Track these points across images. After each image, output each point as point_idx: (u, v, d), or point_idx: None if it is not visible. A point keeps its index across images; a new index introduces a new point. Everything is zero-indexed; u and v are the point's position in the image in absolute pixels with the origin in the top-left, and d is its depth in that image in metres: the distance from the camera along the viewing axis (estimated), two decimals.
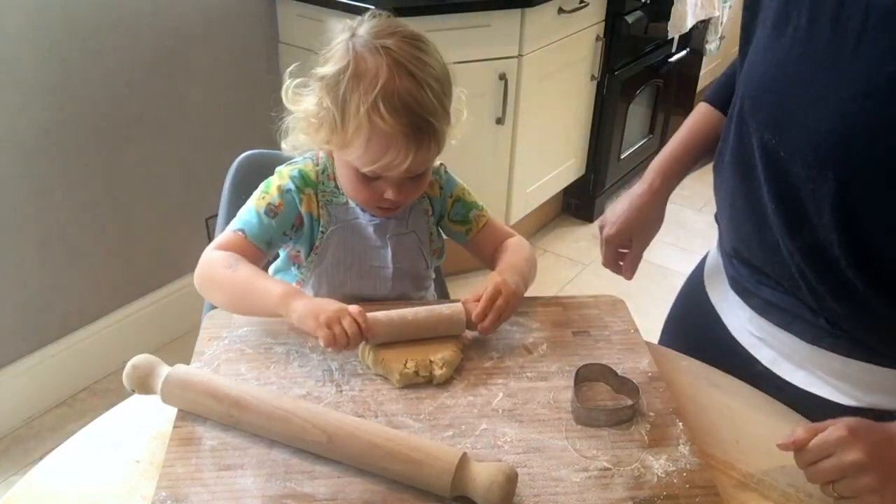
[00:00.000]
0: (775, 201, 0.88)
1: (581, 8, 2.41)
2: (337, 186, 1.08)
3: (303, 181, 1.06)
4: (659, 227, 1.13)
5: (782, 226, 0.89)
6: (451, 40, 2.12)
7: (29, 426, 1.98)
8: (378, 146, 0.94)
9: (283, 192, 1.05)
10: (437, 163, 1.14)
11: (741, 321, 1.03)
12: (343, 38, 0.98)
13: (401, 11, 2.00)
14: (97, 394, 2.09)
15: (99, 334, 2.10)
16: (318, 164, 1.08)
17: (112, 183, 2.00)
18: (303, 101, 1.01)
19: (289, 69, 1.04)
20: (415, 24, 1.93)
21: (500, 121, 2.31)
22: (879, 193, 0.79)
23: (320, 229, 1.07)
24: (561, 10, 2.35)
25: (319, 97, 0.98)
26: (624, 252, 1.13)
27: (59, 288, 1.97)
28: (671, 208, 1.12)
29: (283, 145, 1.06)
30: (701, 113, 1.12)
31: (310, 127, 1.01)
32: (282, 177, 1.06)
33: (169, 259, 2.21)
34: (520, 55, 2.27)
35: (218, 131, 2.19)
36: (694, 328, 1.13)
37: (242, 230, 1.04)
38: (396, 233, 1.10)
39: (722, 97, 1.07)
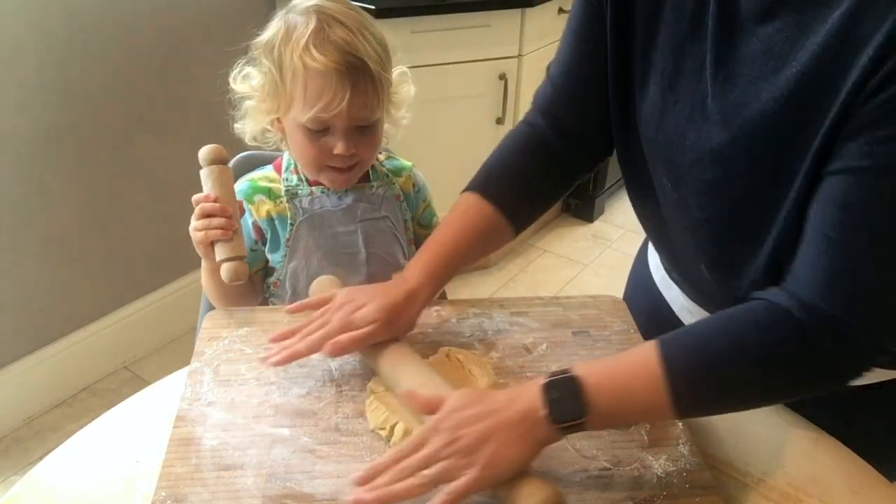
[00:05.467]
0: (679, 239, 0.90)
1: None
2: (300, 179, 1.10)
3: (251, 191, 1.10)
4: (405, 326, 0.92)
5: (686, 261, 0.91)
6: (451, 40, 2.12)
7: (29, 426, 1.98)
8: (315, 88, 0.97)
9: None
10: (408, 162, 1.19)
11: (680, 302, 1.03)
12: (279, 14, 1.04)
13: (401, 11, 2.01)
14: (97, 394, 2.09)
15: (99, 334, 2.10)
16: (274, 169, 1.13)
17: (112, 183, 2.00)
18: (248, 81, 1.06)
19: (239, 61, 1.08)
20: (415, 24, 1.92)
21: (500, 121, 2.31)
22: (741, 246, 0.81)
23: (289, 223, 1.09)
24: (561, 10, 2.35)
25: (259, 66, 1.03)
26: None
27: (59, 288, 1.97)
28: None
29: (236, 126, 1.10)
30: (472, 207, 0.96)
31: (257, 101, 1.05)
32: None
33: (169, 259, 2.21)
34: (520, 55, 2.27)
35: (218, 131, 2.18)
36: (645, 307, 1.10)
37: None
38: (367, 217, 1.11)
39: (495, 189, 0.96)
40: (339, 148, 1.01)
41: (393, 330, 0.89)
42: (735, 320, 0.75)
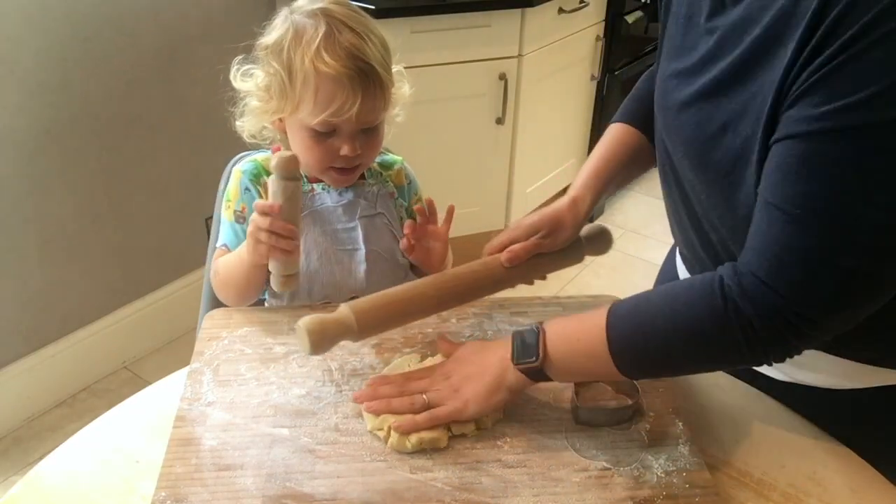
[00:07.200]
0: (689, 219, 0.90)
1: (581, 8, 2.41)
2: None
3: (257, 172, 1.10)
4: (568, 239, 1.00)
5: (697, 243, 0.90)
6: (451, 40, 2.12)
7: (29, 426, 1.98)
8: (326, 92, 0.98)
9: (241, 193, 1.09)
10: (398, 156, 1.19)
11: None
12: (282, 14, 1.04)
13: (401, 11, 2.01)
14: (97, 394, 2.09)
15: (99, 334, 2.10)
16: (273, 154, 1.10)
17: (112, 183, 2.00)
18: (251, 79, 1.06)
19: (236, 59, 1.07)
20: (415, 24, 1.92)
21: (500, 121, 2.31)
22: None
23: None
24: (561, 10, 2.35)
25: (265, 66, 1.03)
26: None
27: (59, 288, 1.97)
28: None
29: (237, 123, 1.09)
30: (619, 132, 1.06)
31: (261, 101, 1.05)
32: (237, 177, 1.10)
33: (169, 259, 2.21)
34: (520, 55, 2.27)
35: (218, 131, 2.17)
36: None
37: (225, 244, 1.08)
38: (366, 214, 1.12)
39: (635, 116, 1.06)
40: (345, 150, 1.02)
41: (558, 239, 0.99)
42: (674, 288, 0.78)
